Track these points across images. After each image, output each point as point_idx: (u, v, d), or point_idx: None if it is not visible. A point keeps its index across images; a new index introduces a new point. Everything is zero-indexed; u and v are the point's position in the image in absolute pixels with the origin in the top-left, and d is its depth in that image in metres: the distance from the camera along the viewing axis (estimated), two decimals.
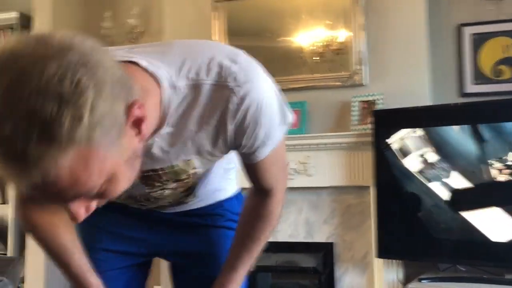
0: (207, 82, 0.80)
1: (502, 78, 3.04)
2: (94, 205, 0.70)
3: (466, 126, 2.59)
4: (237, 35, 3.19)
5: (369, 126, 2.78)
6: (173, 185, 0.97)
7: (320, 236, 2.96)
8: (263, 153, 0.92)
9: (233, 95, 0.80)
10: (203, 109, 0.81)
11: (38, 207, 0.97)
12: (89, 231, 1.09)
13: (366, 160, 2.79)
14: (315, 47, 3.07)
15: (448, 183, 2.58)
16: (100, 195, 0.67)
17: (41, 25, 3.50)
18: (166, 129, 0.82)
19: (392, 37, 2.95)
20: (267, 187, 1.02)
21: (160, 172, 0.92)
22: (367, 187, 2.81)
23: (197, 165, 0.92)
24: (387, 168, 2.69)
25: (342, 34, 3.03)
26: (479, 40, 3.10)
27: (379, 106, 2.84)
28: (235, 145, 0.88)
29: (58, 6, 3.59)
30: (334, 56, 3.03)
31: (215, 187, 1.14)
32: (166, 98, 0.78)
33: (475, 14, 3.11)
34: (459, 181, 2.56)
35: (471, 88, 3.09)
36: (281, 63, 3.09)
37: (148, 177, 0.92)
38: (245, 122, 0.83)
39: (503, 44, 3.05)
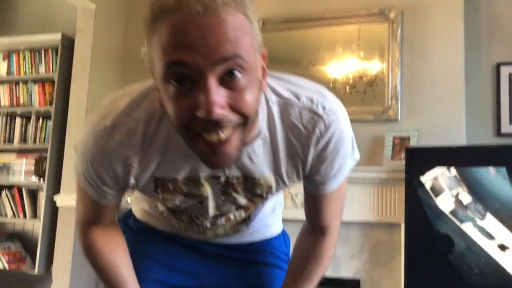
0: (299, 104, 0.86)
1: None
2: (224, 111, 0.68)
3: (501, 168, 2.54)
4: (272, 62, 3.21)
5: (402, 162, 2.75)
6: (243, 201, 0.96)
7: (347, 271, 2.91)
8: (333, 186, 0.95)
9: (321, 121, 0.86)
10: (290, 128, 0.85)
11: (101, 233, 1.00)
12: (142, 262, 1.09)
13: (398, 196, 2.75)
14: (348, 78, 3.08)
15: (482, 226, 2.51)
16: (233, 100, 0.68)
17: (82, 46, 3.61)
18: (258, 141, 0.86)
19: (428, 74, 2.93)
20: (324, 225, 1.02)
21: (240, 181, 0.92)
22: (398, 225, 2.76)
23: (273, 185, 0.93)
24: (419, 206, 2.64)
25: (375, 67, 3.03)
26: None
27: (413, 143, 2.81)
28: (311, 171, 0.91)
29: (99, 29, 3.70)
30: (367, 88, 3.02)
31: (265, 222, 1.15)
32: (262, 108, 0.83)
33: None
34: (494, 224, 2.49)
35: (508, 128, 3.03)
36: None
37: (228, 184, 0.91)
38: (327, 149, 0.88)
39: None
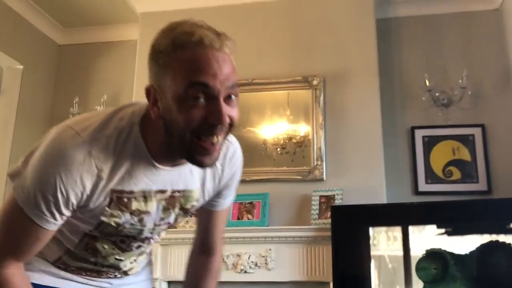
0: None
1: (453, 178, 3.23)
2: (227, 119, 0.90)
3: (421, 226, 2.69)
4: None
5: (329, 220, 2.84)
6: (173, 219, 1.10)
7: None
8: (228, 202, 1.20)
9: (231, 146, 1.13)
10: None
11: (19, 271, 0.97)
12: None
13: (327, 254, 2.81)
14: (278, 139, 3.20)
15: None
16: (230, 114, 0.90)
17: (7, 106, 3.50)
18: None
19: (350, 136, 3.13)
20: (213, 245, 1.25)
21: (181, 195, 1.07)
22: (327, 283, 2.80)
23: (199, 199, 1.11)
24: (347, 264, 2.70)
25: (303, 129, 3.19)
26: (430, 142, 3.33)
27: (337, 202, 2.92)
28: (223, 187, 1.14)
29: (26, 89, 3.63)
30: (297, 149, 3.16)
31: (146, 262, 1.29)
32: None
33: (426, 119, 3.37)
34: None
35: (424, 187, 3.26)
36: (246, 154, 3.17)
37: (171, 198, 1.05)
38: (237, 168, 1.15)
39: (452, 147, 3.28)
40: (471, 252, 2.56)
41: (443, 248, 2.61)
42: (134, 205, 1.00)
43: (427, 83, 3.30)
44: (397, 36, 3.58)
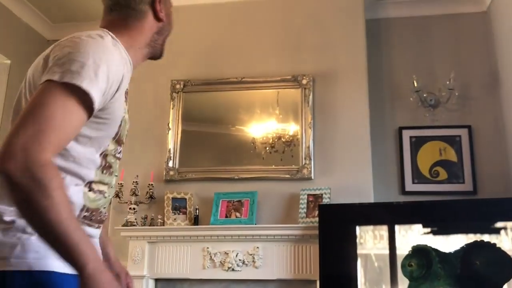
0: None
1: (439, 179, 3.27)
2: None
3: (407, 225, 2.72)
4: (194, 121, 3.30)
5: (316, 219, 2.85)
6: None
7: None
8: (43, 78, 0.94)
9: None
10: None
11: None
12: None
13: (314, 253, 2.83)
14: (267, 138, 3.21)
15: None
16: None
17: None
18: None
19: (338, 136, 3.14)
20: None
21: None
22: (314, 281, 2.82)
23: None
24: (334, 262, 2.72)
25: (292, 128, 3.21)
26: (417, 143, 3.36)
27: (325, 200, 2.94)
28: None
29: (13, 84, 3.59)
30: (285, 148, 3.17)
31: None
32: None
33: (414, 119, 3.40)
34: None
35: (411, 187, 3.29)
36: (235, 152, 3.19)
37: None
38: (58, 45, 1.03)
39: (439, 147, 3.32)
40: (456, 251, 2.59)
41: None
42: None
43: (415, 84, 3.34)
44: (386, 36, 3.60)
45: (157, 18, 1.17)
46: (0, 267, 0.90)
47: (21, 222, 0.92)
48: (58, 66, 0.94)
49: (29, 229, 0.91)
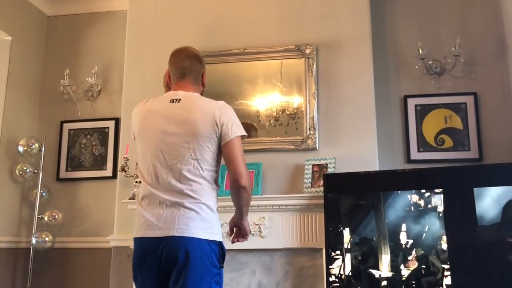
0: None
1: (445, 147, 3.25)
2: None
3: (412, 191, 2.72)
4: None
5: (321, 188, 2.86)
6: None
7: None
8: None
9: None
10: None
11: None
12: None
13: (320, 222, 2.85)
14: (271, 111, 3.20)
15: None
16: None
17: None
18: None
19: (343, 106, 3.12)
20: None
21: None
22: (320, 249, 2.84)
23: None
24: (339, 231, 2.74)
25: (296, 100, 3.18)
26: (423, 111, 3.33)
27: (330, 170, 2.94)
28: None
29: (15, 61, 3.58)
30: (290, 120, 3.16)
31: None
32: None
33: (419, 88, 3.37)
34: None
35: (416, 155, 3.28)
36: None
37: None
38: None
39: (445, 115, 3.29)
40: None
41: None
42: None
43: (420, 51, 3.29)
44: (390, 4, 3.54)
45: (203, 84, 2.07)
46: (210, 237, 1.76)
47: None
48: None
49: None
